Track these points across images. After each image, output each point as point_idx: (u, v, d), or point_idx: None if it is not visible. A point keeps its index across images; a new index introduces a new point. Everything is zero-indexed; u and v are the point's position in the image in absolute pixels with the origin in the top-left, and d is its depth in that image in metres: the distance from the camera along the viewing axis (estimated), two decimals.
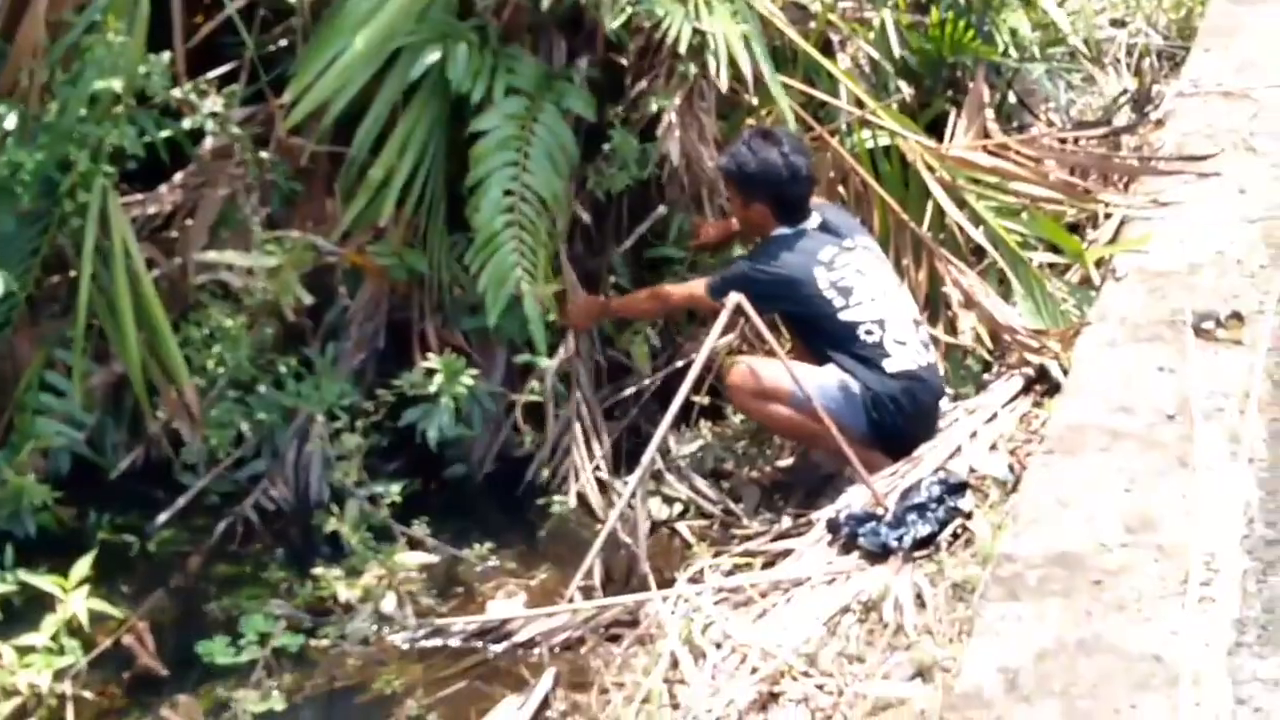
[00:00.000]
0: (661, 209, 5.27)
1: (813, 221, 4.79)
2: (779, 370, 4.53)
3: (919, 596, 3.91)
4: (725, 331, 4.70)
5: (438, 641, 4.14)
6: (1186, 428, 3.97)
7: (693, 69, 5.02)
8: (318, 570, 4.27)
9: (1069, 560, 3.41)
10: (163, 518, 4.78)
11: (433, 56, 4.86)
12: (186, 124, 4.88)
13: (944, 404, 4.83)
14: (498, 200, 4.87)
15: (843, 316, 4.64)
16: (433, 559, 4.15)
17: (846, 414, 4.54)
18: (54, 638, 3.77)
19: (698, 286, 4.85)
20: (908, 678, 3.62)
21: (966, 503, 4.28)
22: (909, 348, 4.67)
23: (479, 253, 4.85)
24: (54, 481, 4.75)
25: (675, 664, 3.83)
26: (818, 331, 4.70)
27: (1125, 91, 6.78)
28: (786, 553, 4.34)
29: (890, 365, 4.63)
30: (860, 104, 5.49)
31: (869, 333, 4.64)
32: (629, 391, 5.20)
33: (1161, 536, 3.45)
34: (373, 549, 4.07)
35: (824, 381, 4.57)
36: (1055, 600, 3.28)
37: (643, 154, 5.09)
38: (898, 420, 4.61)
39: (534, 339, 4.92)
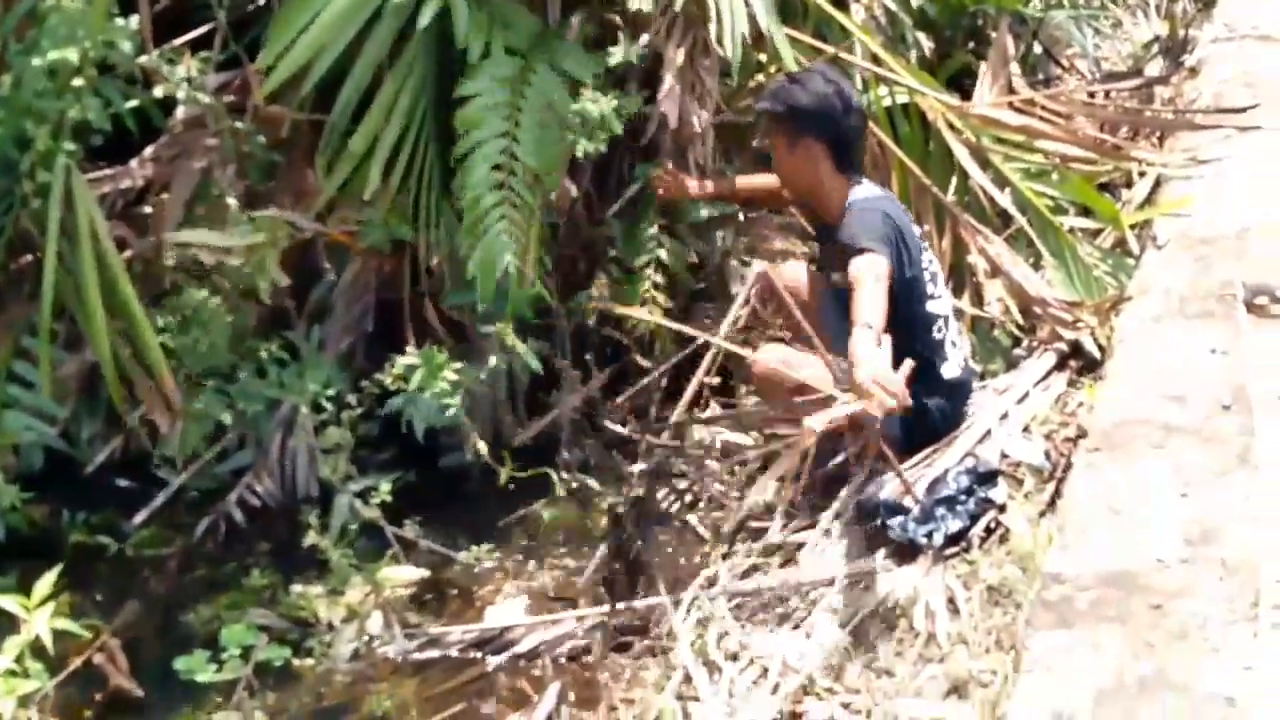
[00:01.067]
0: (652, 171, 4.90)
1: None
2: (816, 366, 4.14)
3: (951, 601, 3.62)
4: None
5: (433, 653, 3.84)
6: (1245, 418, 3.63)
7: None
8: (298, 587, 3.96)
9: (1124, 580, 3.07)
10: (140, 517, 4.48)
11: (432, 8, 4.46)
12: (158, 92, 4.55)
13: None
14: (486, 176, 4.50)
15: (929, 306, 4.20)
16: (422, 574, 3.84)
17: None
18: (18, 660, 3.47)
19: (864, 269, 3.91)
20: (942, 694, 3.35)
21: (999, 493, 3.98)
22: (959, 350, 4.31)
23: (467, 233, 4.49)
24: (26, 478, 4.46)
25: (688, 678, 3.55)
26: (891, 319, 3.98)
27: (1156, 38, 6.43)
28: (804, 546, 4.03)
29: (946, 370, 4.25)
30: (876, 59, 5.13)
31: (939, 329, 4.23)
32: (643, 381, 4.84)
33: (1226, 550, 3.11)
34: (354, 566, 3.74)
35: None
36: (1111, 628, 2.95)
37: (639, 115, 4.75)
38: (933, 434, 4.25)
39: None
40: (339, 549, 3.79)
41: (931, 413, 4.21)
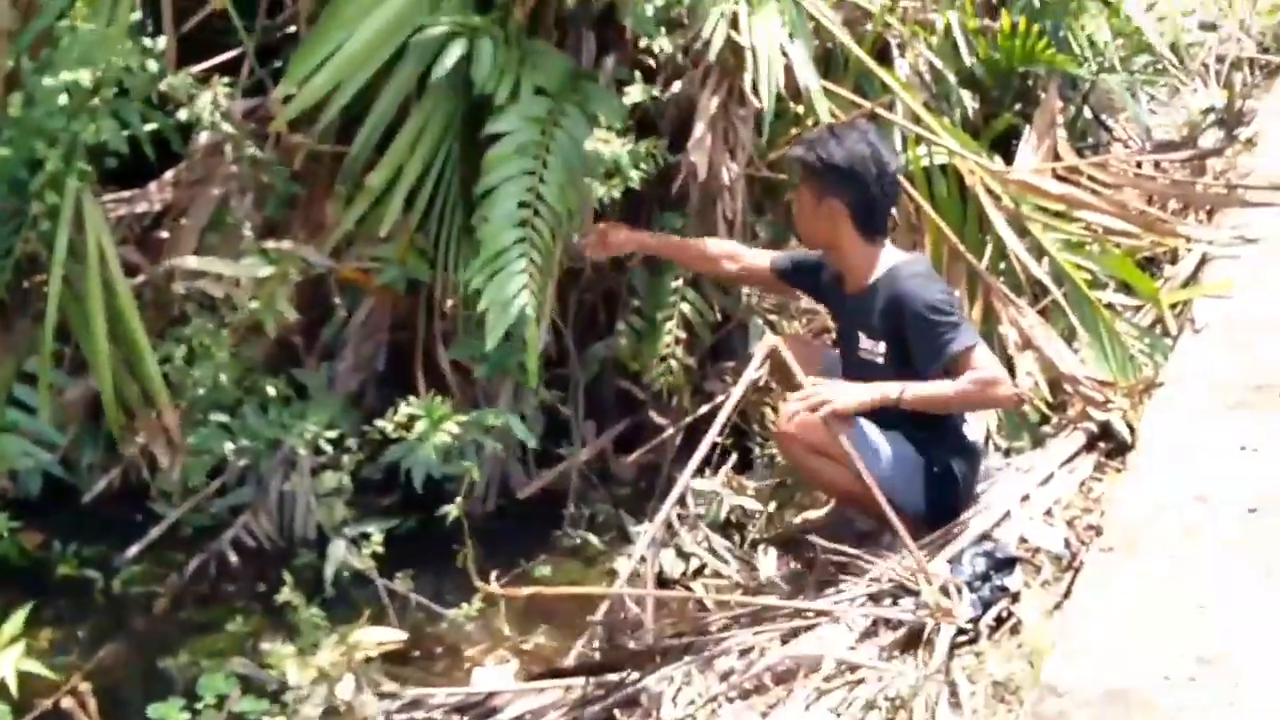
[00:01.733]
0: (674, 219, 4.81)
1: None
2: (850, 432, 3.97)
3: (954, 695, 3.44)
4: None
5: (415, 715, 3.70)
6: (1274, 520, 3.44)
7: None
8: (269, 644, 3.83)
9: (1126, 697, 2.88)
10: (132, 551, 4.39)
11: (456, 52, 4.40)
12: (182, 116, 4.47)
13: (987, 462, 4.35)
14: (510, 213, 4.41)
15: None
16: (399, 636, 3.70)
17: (903, 490, 4.02)
18: None
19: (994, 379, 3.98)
20: None
21: (1015, 581, 3.81)
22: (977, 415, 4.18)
23: (483, 268, 4.36)
24: (23, 504, 4.42)
25: None
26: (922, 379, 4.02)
27: (1213, 108, 6.24)
28: (809, 626, 3.87)
29: (968, 431, 4.15)
30: (917, 118, 4.98)
31: None
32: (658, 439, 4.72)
33: (1239, 671, 2.92)
34: (325, 626, 3.60)
35: (890, 450, 4.06)
36: None
37: (666, 164, 4.63)
38: (957, 501, 4.11)
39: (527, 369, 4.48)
40: (310, 607, 3.65)
41: (953, 477, 4.09)
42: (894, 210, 4.35)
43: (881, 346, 4.10)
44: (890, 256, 4.12)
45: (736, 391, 4.06)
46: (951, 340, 3.94)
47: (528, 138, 4.51)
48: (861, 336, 4.14)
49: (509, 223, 4.41)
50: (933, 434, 4.07)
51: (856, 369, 4.14)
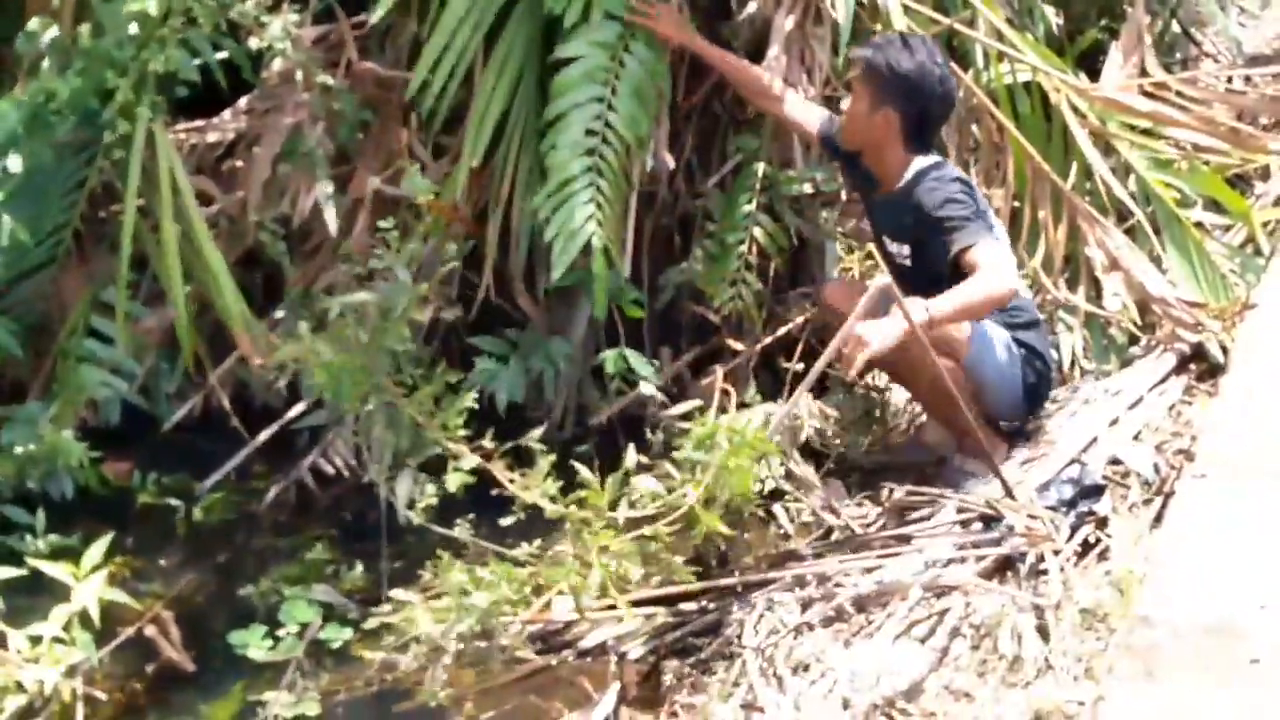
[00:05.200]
0: (750, 141, 4.72)
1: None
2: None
3: (1041, 622, 3.38)
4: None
5: (494, 642, 3.68)
6: None
7: None
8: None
9: (1221, 629, 2.79)
10: (211, 479, 4.40)
11: None
12: (253, 44, 4.43)
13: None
14: (578, 140, 4.35)
15: None
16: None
17: (1008, 381, 4.09)
18: (66, 628, 3.38)
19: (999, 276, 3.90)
20: None
21: (1103, 507, 3.74)
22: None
23: (550, 197, 4.31)
24: (104, 434, 4.42)
25: (754, 687, 3.36)
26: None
27: None
28: (891, 553, 3.81)
29: (1033, 308, 4.23)
30: (999, 35, 4.84)
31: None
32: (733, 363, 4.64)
33: None
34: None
35: (990, 339, 4.06)
36: (1201, 684, 2.66)
37: None
38: (1045, 386, 4.18)
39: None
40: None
41: (1039, 355, 4.15)
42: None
43: (906, 250, 4.16)
44: (919, 162, 4.14)
45: (850, 323, 3.89)
46: (954, 241, 3.93)
47: (596, 63, 4.42)
48: (888, 239, 4.22)
49: (576, 151, 4.36)
50: (1011, 311, 4.11)
51: (891, 270, 4.11)
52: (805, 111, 4.47)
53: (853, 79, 4.29)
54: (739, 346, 4.64)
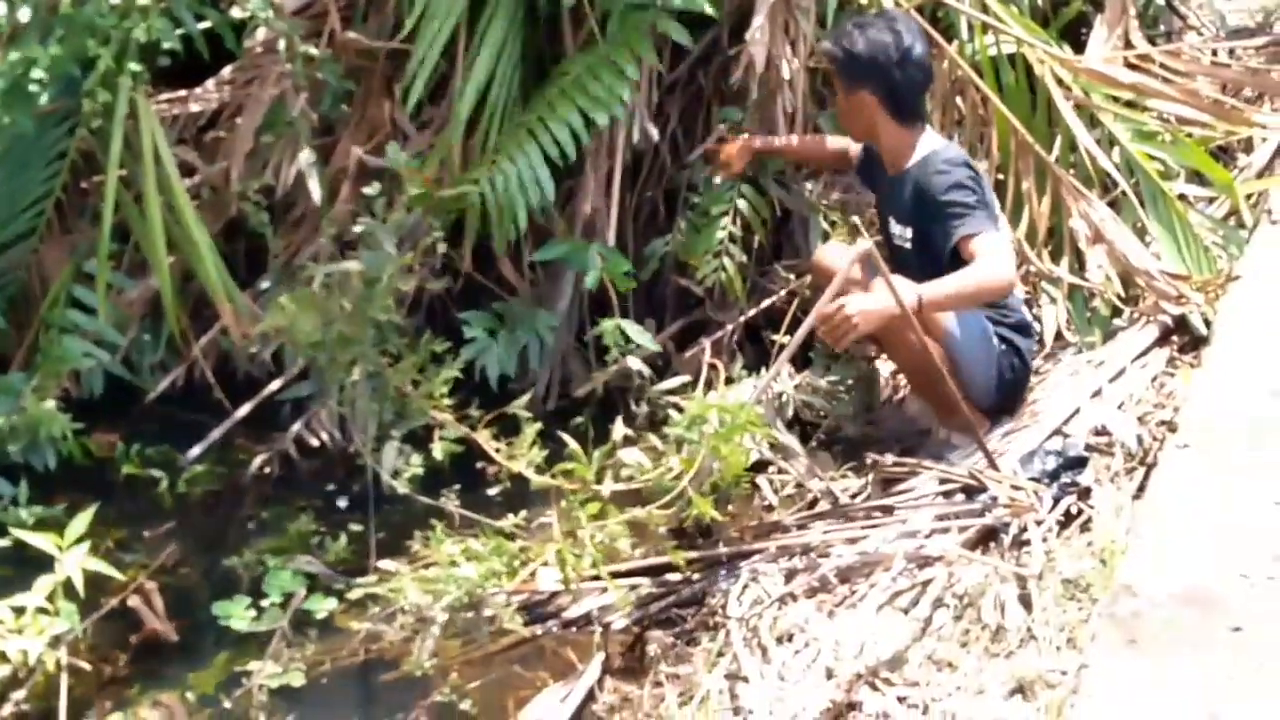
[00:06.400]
0: (734, 113, 4.71)
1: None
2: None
3: (1024, 592, 3.40)
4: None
5: (479, 613, 3.68)
6: None
7: None
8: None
9: (1202, 598, 2.81)
10: (195, 451, 4.40)
11: None
12: (235, 13, 4.41)
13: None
14: None
15: None
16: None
17: (981, 369, 4.08)
18: (50, 599, 3.38)
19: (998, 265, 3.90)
20: (1006, 693, 3.12)
21: (1085, 477, 3.75)
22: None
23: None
24: (87, 405, 4.44)
25: (738, 657, 3.37)
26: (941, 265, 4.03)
27: None
28: (875, 523, 3.82)
29: (1025, 312, 4.19)
30: (984, 6, 4.83)
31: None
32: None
33: None
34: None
35: (973, 325, 4.07)
36: (1183, 652, 2.68)
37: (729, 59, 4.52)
38: (1019, 385, 4.16)
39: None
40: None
41: (1019, 356, 4.15)
42: (926, 94, 4.30)
43: (909, 232, 4.17)
44: (928, 143, 4.16)
45: (834, 286, 3.90)
46: (958, 227, 3.93)
47: None
48: (892, 220, 4.23)
49: None
50: (998, 308, 4.11)
51: (890, 252, 4.16)
52: (853, 149, 4.54)
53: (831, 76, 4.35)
54: (723, 319, 4.64)
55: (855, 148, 4.50)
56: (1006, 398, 4.18)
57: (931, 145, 4.14)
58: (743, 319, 4.61)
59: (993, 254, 3.88)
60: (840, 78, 4.20)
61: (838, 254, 4.28)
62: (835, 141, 4.62)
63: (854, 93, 4.15)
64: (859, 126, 4.25)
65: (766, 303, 4.60)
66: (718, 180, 4.63)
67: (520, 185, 4.37)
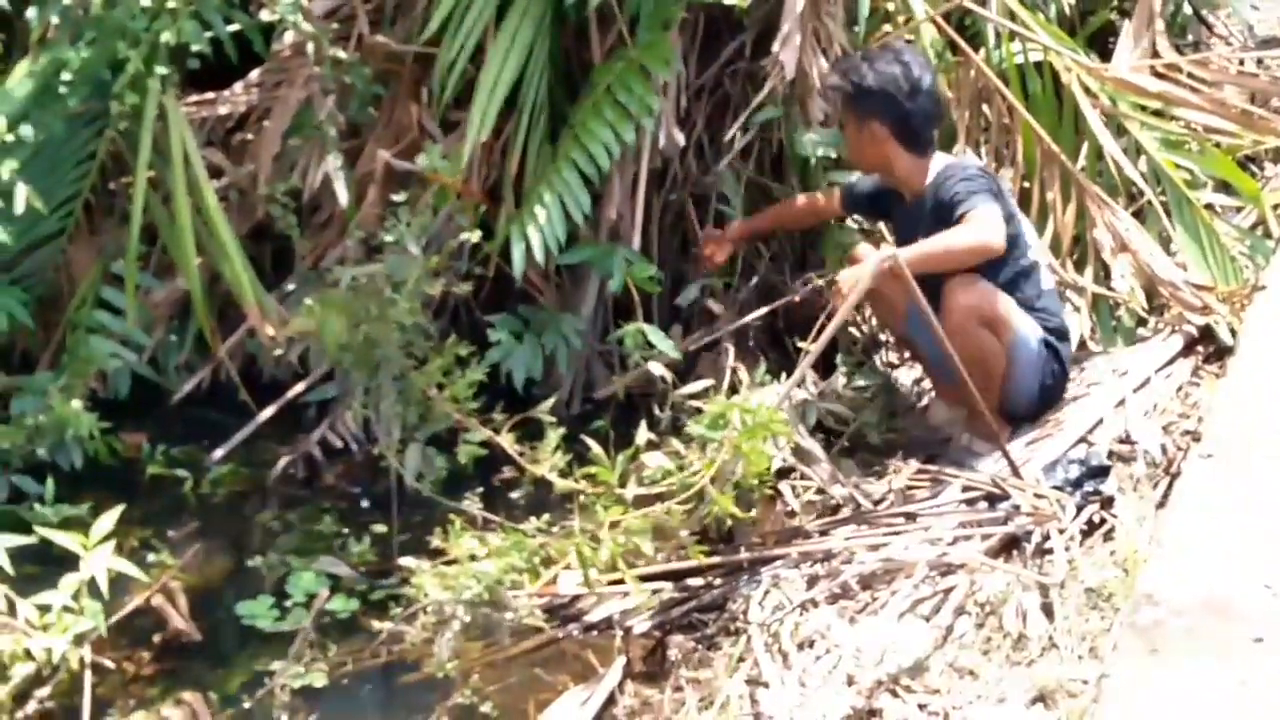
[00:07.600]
0: (771, 110, 4.66)
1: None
2: (1011, 303, 4.06)
3: (1046, 601, 3.40)
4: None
5: (501, 615, 3.69)
6: None
7: None
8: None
9: (1224, 607, 2.81)
10: (220, 452, 4.41)
11: None
12: (264, 16, 4.43)
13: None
14: None
15: (1030, 255, 4.17)
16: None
17: (1031, 374, 4.12)
18: (74, 597, 3.40)
19: (980, 227, 3.95)
20: (1028, 702, 3.13)
21: (1109, 486, 3.75)
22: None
23: None
24: (114, 405, 4.45)
25: (759, 662, 3.38)
26: (998, 267, 4.07)
27: None
28: (897, 530, 3.82)
29: (1064, 318, 4.23)
30: (1011, 14, 4.83)
31: (1046, 279, 4.22)
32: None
33: None
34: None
35: (1029, 332, 4.09)
36: (1204, 662, 2.68)
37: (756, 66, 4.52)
38: (1057, 390, 4.20)
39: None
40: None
41: (1060, 360, 4.17)
42: (937, 123, 4.30)
43: None
44: (939, 162, 4.21)
45: (857, 293, 3.92)
46: (960, 210, 3.97)
47: None
48: (920, 240, 4.15)
49: None
50: (1043, 313, 4.15)
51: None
52: (827, 202, 4.59)
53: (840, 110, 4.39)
54: (742, 323, 4.65)
55: (833, 194, 4.55)
56: (1045, 404, 4.21)
57: (941, 163, 4.20)
58: (748, 317, 4.61)
59: (973, 221, 3.92)
60: (850, 111, 4.24)
61: (870, 254, 4.29)
62: (803, 198, 4.65)
63: (865, 126, 4.19)
64: (871, 159, 4.29)
65: (781, 302, 4.60)
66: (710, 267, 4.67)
67: (562, 212, 4.40)
